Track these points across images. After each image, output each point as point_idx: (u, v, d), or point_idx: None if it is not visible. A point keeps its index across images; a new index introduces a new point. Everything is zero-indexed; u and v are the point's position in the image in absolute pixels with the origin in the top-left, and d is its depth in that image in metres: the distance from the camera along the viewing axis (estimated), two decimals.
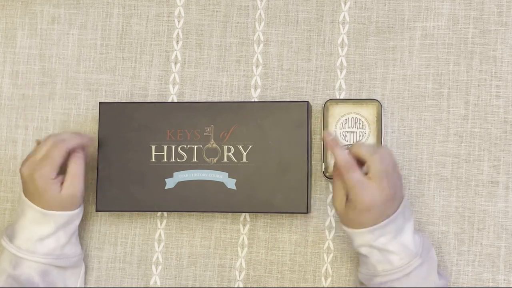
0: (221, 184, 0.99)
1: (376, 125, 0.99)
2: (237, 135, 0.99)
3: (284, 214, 1.02)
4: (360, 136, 0.99)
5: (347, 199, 0.90)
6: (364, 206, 0.88)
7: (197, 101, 1.05)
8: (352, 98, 1.02)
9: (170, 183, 1.00)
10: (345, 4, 1.03)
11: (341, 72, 1.03)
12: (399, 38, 1.02)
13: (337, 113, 1.00)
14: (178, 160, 1.00)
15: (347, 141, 0.99)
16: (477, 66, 1.00)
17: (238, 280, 1.02)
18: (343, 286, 1.00)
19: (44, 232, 0.95)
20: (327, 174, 0.99)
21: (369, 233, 0.89)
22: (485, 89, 1.00)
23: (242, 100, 1.04)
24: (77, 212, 0.98)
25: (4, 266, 0.96)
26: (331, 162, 0.99)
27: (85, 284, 1.03)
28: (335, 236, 1.01)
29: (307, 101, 0.99)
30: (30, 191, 0.95)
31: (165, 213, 1.04)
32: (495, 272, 0.98)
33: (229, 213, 1.03)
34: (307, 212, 0.98)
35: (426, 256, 0.91)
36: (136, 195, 1.00)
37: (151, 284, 1.04)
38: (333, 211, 1.01)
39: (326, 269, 1.01)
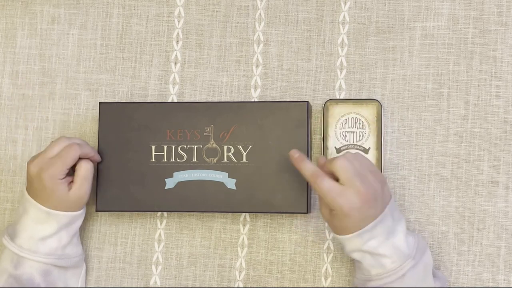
0: (221, 184, 0.99)
1: (376, 125, 0.99)
2: (237, 135, 0.99)
3: (284, 214, 1.02)
4: (360, 136, 0.99)
5: None
6: (343, 211, 0.88)
7: (197, 101, 1.05)
8: (352, 98, 1.02)
9: (170, 183, 1.00)
10: (345, 4, 1.03)
11: (341, 72, 1.03)
12: (399, 38, 1.02)
13: (337, 113, 1.00)
14: (178, 160, 1.00)
15: (347, 141, 0.99)
16: (477, 66, 1.00)
17: (238, 280, 1.03)
18: (343, 286, 1.00)
19: (46, 232, 0.95)
20: None
21: (358, 237, 0.89)
22: (485, 89, 1.00)
23: (242, 100, 1.04)
24: (80, 213, 0.99)
25: (5, 266, 0.96)
26: None
27: (86, 284, 1.03)
28: (335, 236, 1.01)
29: (307, 101, 0.99)
30: (35, 189, 0.95)
31: (165, 213, 1.04)
32: (495, 272, 0.98)
33: (229, 213, 1.03)
34: (307, 212, 0.98)
35: (420, 257, 0.90)
36: (136, 195, 1.00)
37: (151, 284, 1.04)
38: None
39: (326, 269, 1.01)
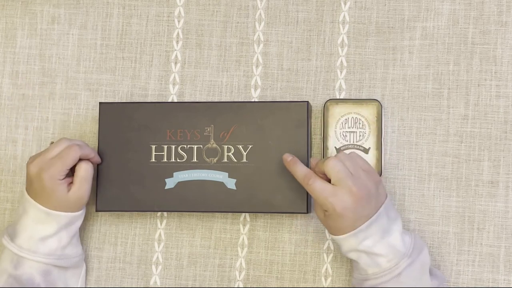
0: (221, 184, 0.99)
1: (376, 125, 0.99)
2: (237, 135, 0.99)
3: (284, 214, 1.02)
4: (360, 136, 0.99)
5: None
6: (336, 211, 0.88)
7: (197, 101, 1.05)
8: (352, 98, 1.02)
9: (170, 183, 1.00)
10: (345, 4, 1.03)
11: (341, 72, 1.03)
12: (399, 38, 1.02)
13: (337, 113, 1.00)
14: (178, 160, 1.00)
15: (347, 141, 0.99)
16: (477, 66, 1.00)
17: (238, 280, 1.03)
18: (343, 286, 1.00)
19: (46, 232, 0.95)
20: None
21: (353, 237, 0.89)
22: (485, 89, 1.00)
23: (242, 100, 1.04)
24: (80, 214, 0.99)
25: (5, 266, 0.96)
26: None
27: (86, 284, 1.03)
28: (331, 237, 1.01)
29: (307, 101, 0.99)
30: (35, 189, 0.95)
31: (165, 213, 1.04)
32: (495, 272, 0.98)
33: (229, 213, 1.03)
34: (307, 212, 0.98)
35: (417, 256, 0.90)
36: (136, 195, 1.00)
37: (151, 284, 1.04)
38: None
39: (326, 269, 1.01)
